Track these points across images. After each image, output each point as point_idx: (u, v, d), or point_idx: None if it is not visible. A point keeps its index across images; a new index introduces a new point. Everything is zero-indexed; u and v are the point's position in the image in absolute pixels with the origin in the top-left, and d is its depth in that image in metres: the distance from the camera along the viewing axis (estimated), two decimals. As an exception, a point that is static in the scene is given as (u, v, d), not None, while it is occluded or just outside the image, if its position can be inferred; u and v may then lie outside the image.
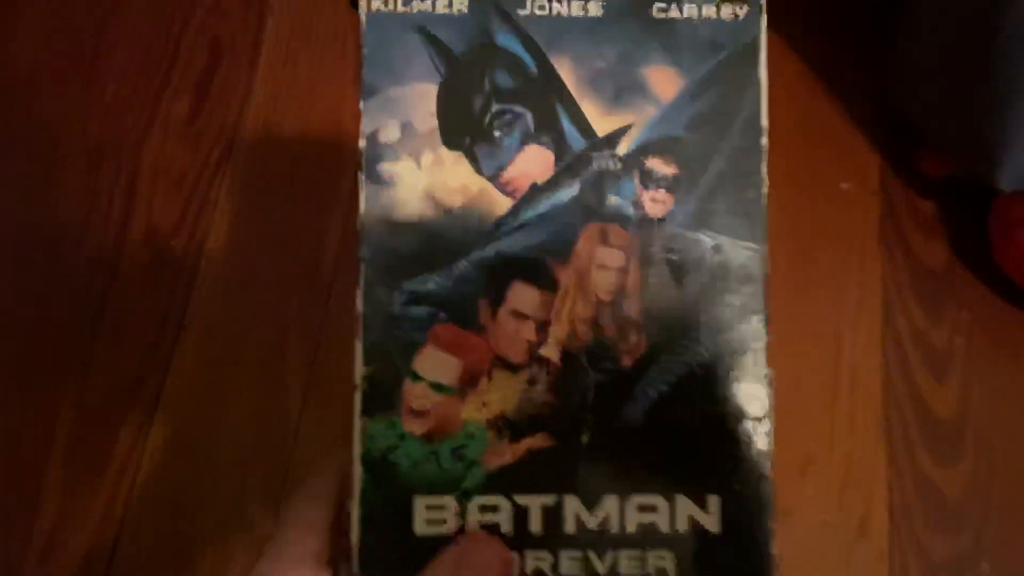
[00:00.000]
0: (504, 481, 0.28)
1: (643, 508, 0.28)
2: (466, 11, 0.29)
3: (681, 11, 0.29)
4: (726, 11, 0.29)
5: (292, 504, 0.29)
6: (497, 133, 0.29)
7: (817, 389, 0.60)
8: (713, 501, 0.28)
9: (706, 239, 0.29)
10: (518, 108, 0.29)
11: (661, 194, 0.29)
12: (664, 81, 0.29)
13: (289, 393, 0.58)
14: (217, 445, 0.57)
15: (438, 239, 0.28)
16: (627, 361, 0.29)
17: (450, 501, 0.28)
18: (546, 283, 0.29)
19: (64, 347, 0.59)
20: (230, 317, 0.60)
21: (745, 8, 0.29)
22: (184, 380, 0.59)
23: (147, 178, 0.64)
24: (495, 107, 0.29)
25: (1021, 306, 0.62)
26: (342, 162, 0.65)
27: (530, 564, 0.28)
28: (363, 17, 0.29)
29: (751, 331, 0.29)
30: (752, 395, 0.29)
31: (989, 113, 0.56)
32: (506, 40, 0.29)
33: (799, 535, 0.56)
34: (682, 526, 0.28)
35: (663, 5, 0.29)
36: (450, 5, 0.29)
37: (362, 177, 0.28)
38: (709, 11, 0.29)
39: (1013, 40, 0.53)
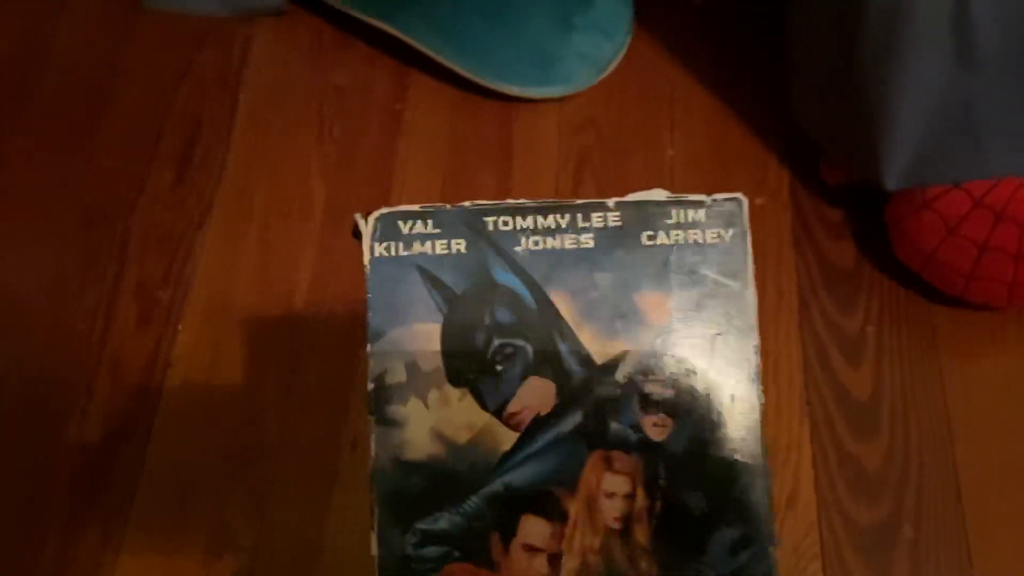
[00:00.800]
0: None
1: None
2: (464, 251, 0.30)
3: (668, 237, 0.31)
4: (710, 234, 0.31)
5: None
6: (499, 367, 0.30)
7: (743, 380, 0.66)
8: None
9: (713, 459, 0.29)
10: (519, 342, 0.30)
11: (661, 418, 0.30)
12: (655, 307, 0.30)
13: (266, 416, 0.65)
14: (204, 462, 0.63)
15: (447, 477, 0.29)
16: None
17: None
18: (555, 514, 0.29)
19: (64, 390, 0.66)
20: (213, 351, 0.67)
21: (730, 232, 0.31)
22: (173, 413, 0.65)
23: (137, 238, 0.72)
24: (496, 342, 0.30)
25: (923, 294, 0.68)
26: (310, 214, 0.73)
27: None
28: (366, 263, 0.30)
29: (759, 555, 0.29)
30: None
31: (866, 120, 0.64)
32: (504, 277, 0.30)
33: (733, 511, 0.61)
34: None
35: (650, 234, 0.31)
36: (448, 247, 0.30)
37: (371, 420, 0.29)
38: (695, 235, 0.31)
39: (873, 47, 0.60)
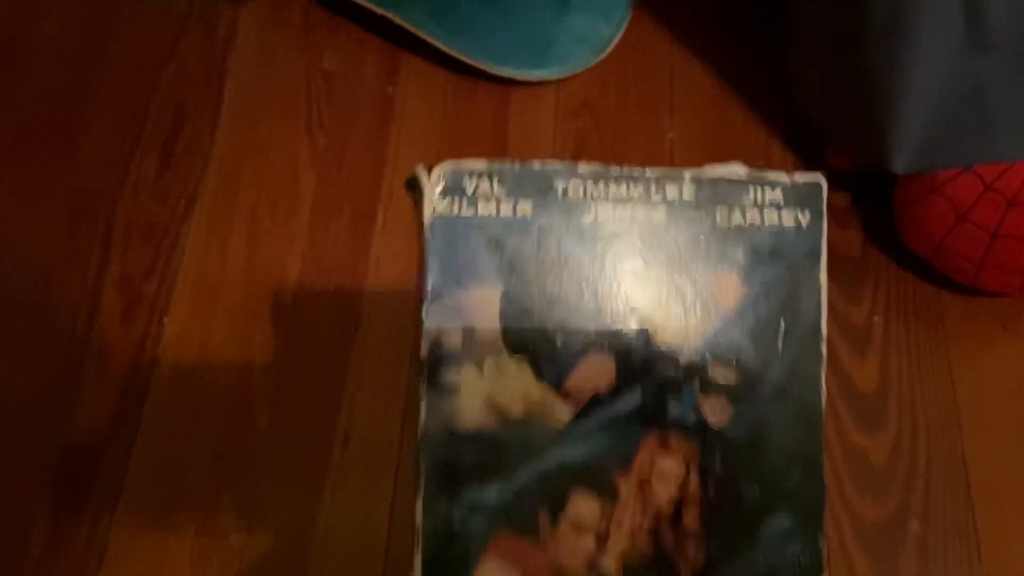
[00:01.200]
0: None
1: None
2: (531, 216, 0.28)
3: (745, 217, 0.29)
4: (787, 217, 0.29)
5: None
6: (559, 340, 0.28)
7: (746, 372, 0.64)
8: None
9: (773, 449, 0.29)
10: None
11: (722, 402, 0.29)
12: (726, 289, 0.29)
13: (255, 411, 0.63)
14: (193, 459, 0.61)
15: (499, 448, 0.28)
16: (686, 574, 0.28)
17: None
18: (606, 492, 0.28)
19: (49, 385, 0.64)
20: (199, 347, 0.65)
21: (808, 215, 0.29)
22: (160, 408, 0.63)
23: (121, 229, 0.69)
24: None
25: (931, 282, 0.66)
26: (297, 203, 0.71)
27: None
28: (427, 221, 0.28)
29: (809, 545, 0.29)
30: None
31: (874, 104, 0.62)
32: (569, 245, 0.29)
33: (735, 508, 0.59)
34: None
35: (724, 210, 0.29)
36: (514, 210, 0.28)
37: (423, 386, 0.28)
38: (771, 216, 0.29)
39: (881, 30, 0.58)
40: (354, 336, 0.66)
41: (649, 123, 0.74)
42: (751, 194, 0.29)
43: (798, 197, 0.29)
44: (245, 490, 0.61)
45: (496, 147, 0.74)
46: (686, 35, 0.77)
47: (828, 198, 0.69)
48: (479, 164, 0.28)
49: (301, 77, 0.76)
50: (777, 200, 0.29)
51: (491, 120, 0.75)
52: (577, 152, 0.73)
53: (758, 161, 0.72)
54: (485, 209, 0.28)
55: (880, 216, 0.68)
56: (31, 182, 0.71)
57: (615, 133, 0.74)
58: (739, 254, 0.29)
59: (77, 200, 0.71)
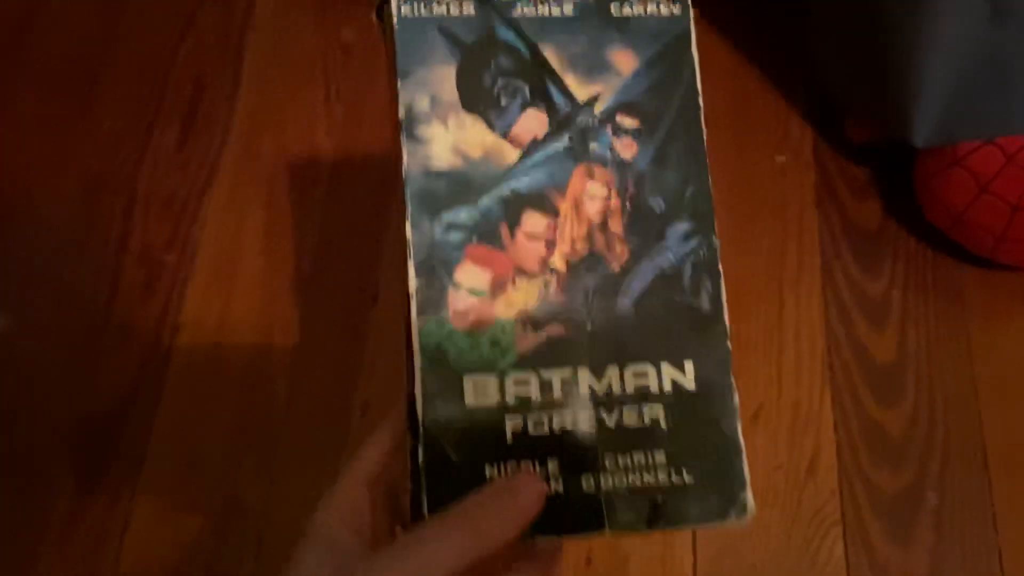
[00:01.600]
0: (531, 361, 0.36)
1: (637, 374, 0.36)
2: (473, 13, 0.38)
3: (632, 9, 0.39)
4: (664, 9, 0.40)
5: (357, 452, 0.35)
6: (503, 101, 0.37)
7: (763, 344, 0.64)
8: (689, 366, 0.37)
9: (670, 171, 0.39)
10: (518, 82, 0.38)
11: (628, 141, 0.38)
12: (624, 60, 0.39)
13: (275, 380, 0.64)
14: (213, 428, 0.62)
15: (465, 182, 0.36)
16: (615, 266, 0.37)
17: (491, 379, 0.35)
18: (550, 210, 0.37)
19: (71, 355, 0.65)
20: (220, 318, 0.66)
21: (678, 6, 0.40)
22: (181, 378, 0.64)
23: (142, 201, 0.70)
24: (500, 82, 0.38)
25: (950, 255, 0.66)
26: (316, 175, 0.71)
27: (556, 422, 0.36)
28: (395, 21, 0.37)
29: (705, 242, 0.38)
30: (706, 289, 0.38)
31: (895, 76, 0.61)
32: (504, 33, 0.38)
33: (752, 478, 0.59)
34: (667, 386, 0.36)
35: (618, 5, 0.39)
36: (461, 10, 0.38)
37: (403, 138, 0.36)
38: (652, 8, 0.40)
39: (901, 1, 0.58)
40: (372, 307, 0.66)
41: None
42: None
43: None
44: (265, 457, 0.61)
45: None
46: (703, 7, 0.76)
47: (846, 168, 0.69)
48: None
49: (318, 49, 0.76)
50: None
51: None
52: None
53: (777, 133, 0.72)
54: (439, 9, 0.38)
55: (899, 189, 0.68)
56: (53, 155, 0.72)
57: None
58: (630, 36, 0.39)
59: (98, 172, 0.71)
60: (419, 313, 0.35)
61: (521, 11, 0.39)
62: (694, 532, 0.58)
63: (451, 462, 0.34)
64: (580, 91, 0.39)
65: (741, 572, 0.57)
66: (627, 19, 0.39)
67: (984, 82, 0.60)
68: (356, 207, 0.70)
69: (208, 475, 0.62)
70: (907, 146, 0.63)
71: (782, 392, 0.62)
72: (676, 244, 0.38)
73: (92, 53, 0.75)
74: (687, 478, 0.36)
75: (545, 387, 0.36)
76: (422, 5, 0.38)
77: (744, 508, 0.36)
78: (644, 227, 0.38)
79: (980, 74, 0.60)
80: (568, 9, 0.39)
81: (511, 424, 0.35)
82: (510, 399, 0.35)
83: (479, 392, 0.35)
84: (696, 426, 0.37)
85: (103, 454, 0.62)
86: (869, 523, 0.59)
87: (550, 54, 0.39)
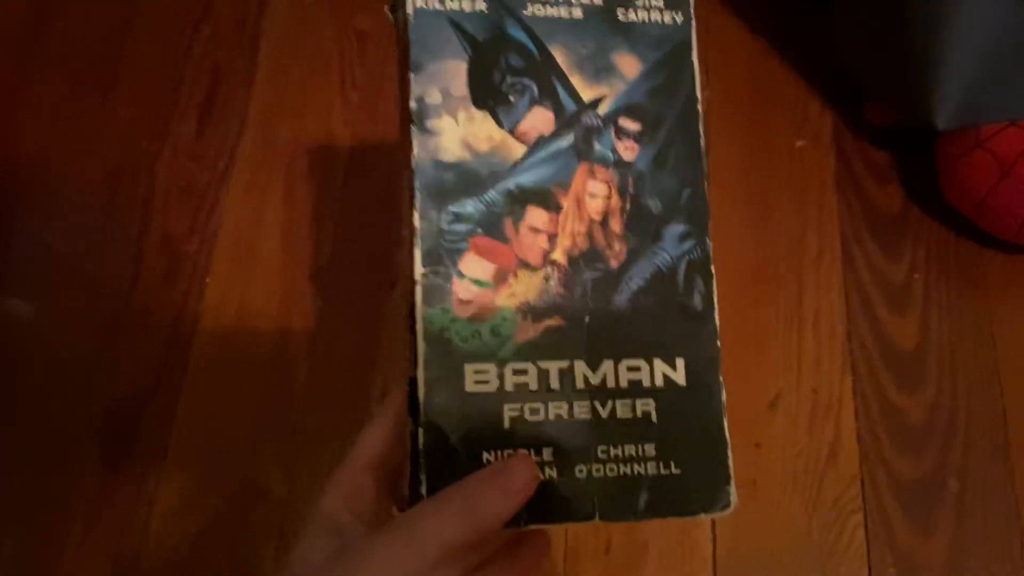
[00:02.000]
0: (530, 351, 0.37)
1: (631, 368, 0.38)
2: (485, 10, 0.39)
3: (637, 15, 0.41)
4: (667, 17, 0.41)
5: (359, 436, 0.37)
6: (511, 98, 0.38)
7: (783, 331, 0.64)
8: (680, 363, 0.38)
9: (668, 174, 0.40)
10: (526, 80, 0.39)
11: (630, 143, 0.40)
12: (628, 64, 0.40)
13: (295, 366, 0.64)
14: (234, 413, 0.63)
15: (472, 175, 0.37)
16: (614, 263, 0.38)
17: (491, 367, 0.36)
18: (552, 206, 0.38)
19: (95, 342, 0.65)
20: (239, 305, 0.66)
21: (680, 14, 0.41)
22: (202, 364, 0.65)
23: (161, 191, 0.70)
24: (509, 79, 0.39)
25: (973, 239, 0.65)
26: (333, 161, 0.71)
27: (552, 412, 0.37)
28: (410, 13, 0.38)
29: (699, 244, 0.39)
30: (699, 289, 0.39)
31: (917, 58, 0.60)
32: (515, 32, 0.39)
33: (771, 464, 0.60)
34: (659, 381, 0.38)
35: (623, 11, 0.41)
36: (473, 5, 0.39)
37: (414, 129, 0.37)
38: (656, 16, 0.41)
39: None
40: (390, 294, 0.66)
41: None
42: (640, 0, 0.41)
43: (672, 3, 0.41)
44: (285, 442, 0.62)
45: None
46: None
47: (867, 152, 0.69)
48: None
49: (334, 37, 0.76)
50: (659, 4, 0.41)
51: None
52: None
53: (797, 117, 0.71)
54: (451, 4, 0.38)
55: (921, 173, 0.67)
56: (73, 147, 0.72)
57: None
58: (634, 41, 0.40)
59: (118, 161, 0.72)
60: (424, 302, 0.36)
61: (532, 11, 0.40)
62: (713, 519, 0.58)
63: (450, 447, 0.35)
64: (586, 92, 0.40)
65: (761, 558, 0.57)
66: (632, 24, 0.41)
67: (1007, 63, 0.59)
68: (374, 193, 0.70)
69: (230, 459, 0.62)
70: (928, 129, 0.63)
71: (801, 378, 0.62)
72: (672, 245, 0.39)
73: (110, 43, 0.76)
74: (675, 470, 0.38)
75: (543, 377, 0.37)
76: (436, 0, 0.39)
77: (728, 502, 0.37)
78: (642, 227, 0.39)
79: (1003, 55, 0.59)
80: (577, 12, 0.40)
81: (509, 412, 0.36)
82: (509, 387, 0.36)
83: (479, 379, 0.36)
84: (685, 421, 0.38)
85: (128, 437, 0.63)
86: (890, 510, 0.58)
87: (558, 55, 0.40)
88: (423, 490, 0.34)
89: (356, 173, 0.71)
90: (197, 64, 0.75)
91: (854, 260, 0.65)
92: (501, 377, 0.36)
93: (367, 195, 0.70)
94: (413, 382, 0.35)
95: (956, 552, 0.57)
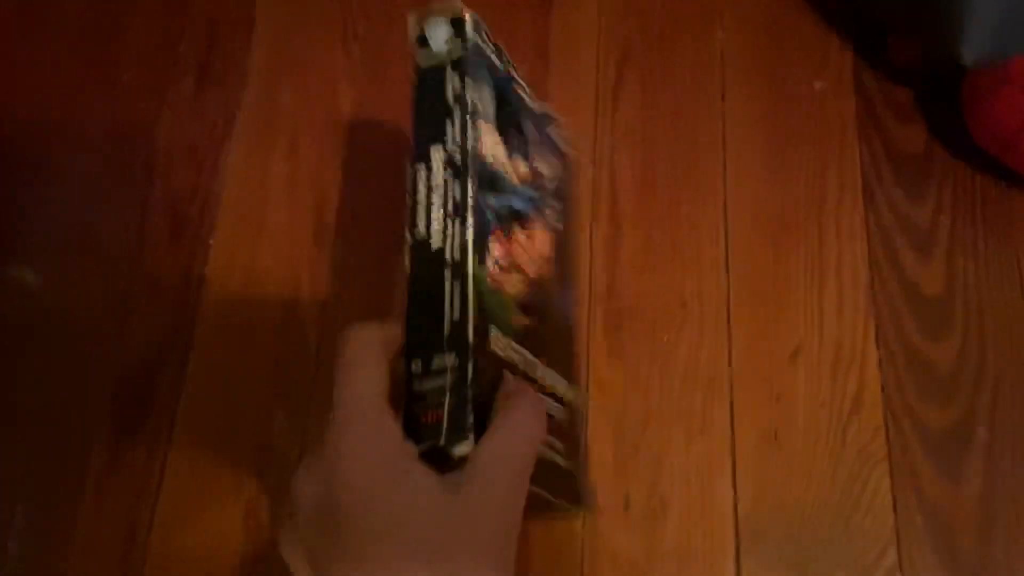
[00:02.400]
0: (521, 339, 0.42)
1: (555, 378, 0.47)
2: (499, 64, 0.47)
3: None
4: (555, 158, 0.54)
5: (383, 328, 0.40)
6: (514, 141, 0.47)
7: (803, 278, 0.62)
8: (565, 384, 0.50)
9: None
10: (519, 133, 0.49)
11: (558, 216, 0.52)
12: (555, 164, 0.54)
13: (305, 329, 0.63)
14: (246, 377, 0.62)
15: (496, 178, 0.43)
16: (554, 290, 0.49)
17: (502, 336, 0.40)
18: (527, 230, 0.46)
19: (102, 307, 0.65)
20: (247, 265, 0.65)
21: (561, 164, 0.55)
22: (210, 326, 0.64)
23: (163, 153, 0.69)
24: (512, 127, 0.47)
25: (1001, 179, 0.63)
26: (337, 118, 0.69)
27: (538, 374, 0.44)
28: (481, 31, 0.44)
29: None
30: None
31: (942, -11, 0.57)
32: (511, 96, 0.48)
33: (793, 416, 0.58)
34: (568, 395, 0.49)
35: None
36: (493, 58, 0.46)
37: (470, 119, 0.42)
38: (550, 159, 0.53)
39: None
40: (400, 254, 0.65)
41: (698, 24, 0.70)
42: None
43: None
44: (298, 407, 0.61)
45: (536, 59, 0.71)
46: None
47: (889, 91, 0.66)
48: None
49: (336, -8, 0.74)
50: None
51: (531, 29, 0.72)
52: (623, 59, 0.70)
53: (815, 58, 0.68)
54: (484, 47, 0.45)
55: (945, 111, 0.64)
56: (71, 111, 0.71)
57: (662, 36, 0.71)
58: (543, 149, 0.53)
59: (118, 125, 0.70)
60: (475, 257, 0.39)
61: (516, 88, 0.49)
62: (734, 470, 0.57)
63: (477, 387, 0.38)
64: (542, 166, 0.51)
65: (784, 511, 0.56)
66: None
67: (1039, -7, 0.56)
68: (379, 151, 0.68)
69: (241, 425, 0.61)
70: (954, 66, 0.60)
71: (824, 327, 0.60)
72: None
73: (108, 5, 0.74)
74: (569, 465, 0.47)
75: (530, 366, 0.43)
76: (483, 32, 0.44)
77: (591, 503, 0.54)
78: (565, 271, 0.52)
79: (1035, -16, 0.56)
80: (536, 106, 0.52)
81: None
82: (508, 359, 0.41)
83: (497, 343, 0.40)
84: (572, 428, 0.49)
85: (138, 404, 0.62)
86: (916, 460, 0.57)
87: (529, 129, 0.50)
88: (471, 420, 0.36)
89: (360, 130, 0.69)
90: (194, 21, 0.73)
91: (876, 202, 0.63)
92: (505, 348, 0.40)
93: (372, 152, 0.68)
94: (455, 321, 0.37)
95: (985, 501, 0.56)
